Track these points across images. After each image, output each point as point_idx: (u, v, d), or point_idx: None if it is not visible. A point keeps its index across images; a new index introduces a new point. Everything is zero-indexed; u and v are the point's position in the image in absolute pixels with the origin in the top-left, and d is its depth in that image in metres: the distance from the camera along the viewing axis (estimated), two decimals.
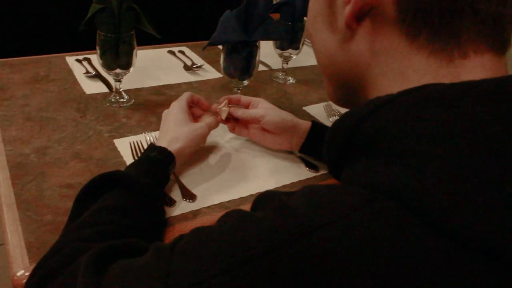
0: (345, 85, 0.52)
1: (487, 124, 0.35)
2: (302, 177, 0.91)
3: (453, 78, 0.41)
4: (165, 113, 0.90)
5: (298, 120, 0.92)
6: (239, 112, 0.92)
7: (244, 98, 0.96)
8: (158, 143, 0.81)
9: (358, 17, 0.44)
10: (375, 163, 0.39)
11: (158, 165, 0.77)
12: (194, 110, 0.94)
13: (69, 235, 0.59)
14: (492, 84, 0.38)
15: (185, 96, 0.91)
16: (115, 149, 0.92)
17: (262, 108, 0.92)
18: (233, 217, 0.41)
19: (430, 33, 0.41)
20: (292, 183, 0.89)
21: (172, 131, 0.83)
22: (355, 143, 0.42)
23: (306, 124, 0.92)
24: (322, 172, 0.93)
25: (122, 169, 0.76)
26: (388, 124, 0.39)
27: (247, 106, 0.95)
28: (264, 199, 0.42)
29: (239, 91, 1.13)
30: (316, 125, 0.92)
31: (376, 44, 0.45)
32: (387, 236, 0.34)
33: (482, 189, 0.33)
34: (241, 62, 1.07)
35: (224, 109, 0.92)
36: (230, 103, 0.94)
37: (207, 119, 0.90)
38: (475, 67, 0.41)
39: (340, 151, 0.44)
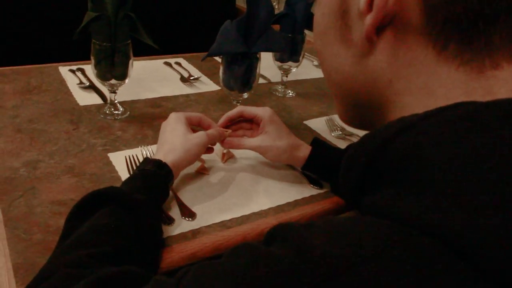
0: (361, 104, 0.47)
1: None
2: (306, 194, 0.87)
3: (484, 92, 0.37)
4: (164, 124, 0.85)
5: (299, 149, 0.88)
6: (238, 146, 0.88)
7: (248, 111, 0.90)
8: (155, 156, 0.77)
9: (378, 28, 0.40)
10: (403, 193, 0.34)
11: (154, 180, 0.72)
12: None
13: (59, 258, 0.54)
14: None
15: (185, 113, 0.86)
16: (109, 163, 0.88)
17: (262, 139, 0.87)
18: (246, 253, 0.36)
19: (460, 42, 0.37)
20: (296, 201, 0.85)
21: (169, 142, 0.79)
22: (378, 170, 0.37)
23: (306, 149, 0.88)
24: (326, 189, 0.89)
25: (117, 184, 0.72)
26: (417, 149, 0.34)
27: (251, 118, 0.90)
28: (281, 232, 0.37)
29: (238, 104, 1.10)
30: (317, 146, 0.89)
31: (398, 58, 0.40)
32: (423, 278, 0.29)
33: None
34: (241, 74, 1.03)
35: (223, 153, 0.95)
36: (231, 119, 0.89)
37: (209, 131, 0.85)
38: (508, 80, 0.37)
39: (360, 178, 0.39)
